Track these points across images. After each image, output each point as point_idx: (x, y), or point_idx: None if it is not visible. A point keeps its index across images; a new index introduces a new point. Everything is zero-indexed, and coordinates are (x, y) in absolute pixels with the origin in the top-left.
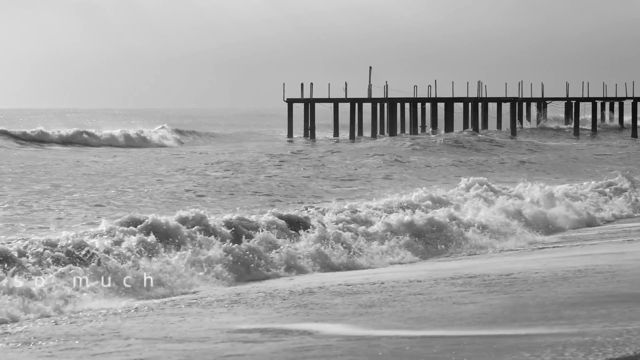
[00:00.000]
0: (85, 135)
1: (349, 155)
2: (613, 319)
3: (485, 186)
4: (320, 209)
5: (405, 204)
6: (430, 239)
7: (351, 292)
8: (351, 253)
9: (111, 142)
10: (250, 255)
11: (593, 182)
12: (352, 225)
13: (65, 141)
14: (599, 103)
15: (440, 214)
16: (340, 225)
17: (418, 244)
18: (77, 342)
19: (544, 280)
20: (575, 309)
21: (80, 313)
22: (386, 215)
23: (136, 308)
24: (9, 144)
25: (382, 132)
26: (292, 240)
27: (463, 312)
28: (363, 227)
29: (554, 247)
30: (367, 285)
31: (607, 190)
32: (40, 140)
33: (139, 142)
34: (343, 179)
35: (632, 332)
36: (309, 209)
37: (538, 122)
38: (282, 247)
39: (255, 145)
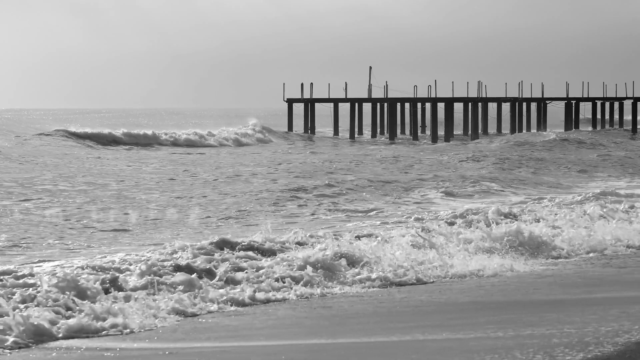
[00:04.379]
0: (195, 137)
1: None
2: None
3: None
4: None
5: None
6: None
7: None
8: None
9: (221, 143)
10: None
11: None
12: None
13: (178, 143)
14: (599, 103)
15: None
16: None
17: None
18: None
19: None
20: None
21: None
22: None
23: None
24: (99, 145)
25: (382, 132)
26: None
27: None
28: None
29: None
30: None
31: None
32: (151, 142)
33: (245, 141)
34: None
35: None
36: None
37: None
38: None
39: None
